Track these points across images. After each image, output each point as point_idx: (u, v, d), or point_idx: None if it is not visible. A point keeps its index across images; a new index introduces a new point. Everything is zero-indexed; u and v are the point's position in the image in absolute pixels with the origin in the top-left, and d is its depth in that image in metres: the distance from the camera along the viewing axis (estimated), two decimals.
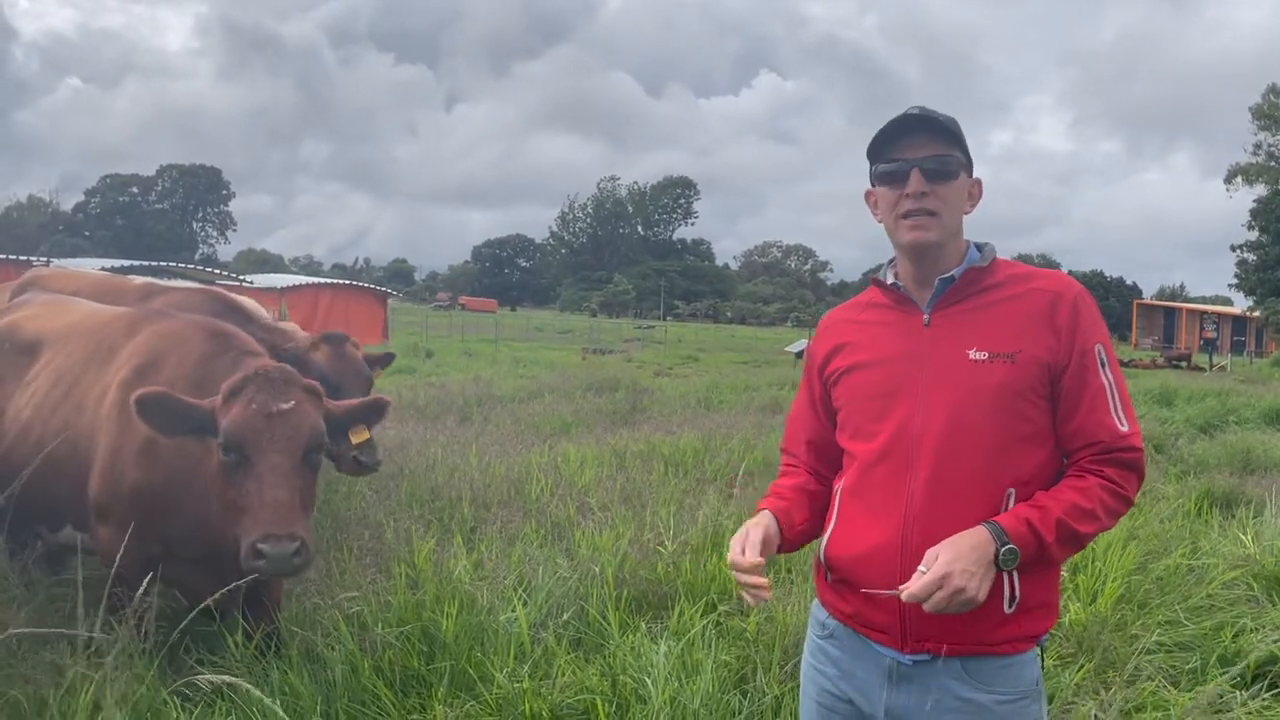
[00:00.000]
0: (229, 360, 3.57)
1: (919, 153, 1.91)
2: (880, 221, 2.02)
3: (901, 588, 1.75)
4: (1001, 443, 1.84)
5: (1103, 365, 1.87)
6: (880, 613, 1.89)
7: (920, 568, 1.74)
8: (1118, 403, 1.87)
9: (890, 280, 2.03)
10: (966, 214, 1.99)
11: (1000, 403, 1.84)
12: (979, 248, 2.00)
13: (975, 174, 2.01)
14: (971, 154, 1.98)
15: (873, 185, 2.01)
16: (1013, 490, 1.84)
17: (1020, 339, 1.86)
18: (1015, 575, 1.81)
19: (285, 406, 3.18)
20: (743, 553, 1.89)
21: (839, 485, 2.04)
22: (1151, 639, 4.06)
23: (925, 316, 1.95)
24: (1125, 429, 1.85)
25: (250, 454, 3.09)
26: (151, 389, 3.17)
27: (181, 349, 3.64)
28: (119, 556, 3.26)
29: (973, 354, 1.87)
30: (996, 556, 1.74)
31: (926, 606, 1.71)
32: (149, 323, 3.90)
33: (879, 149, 1.96)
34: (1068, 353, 1.86)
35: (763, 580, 1.85)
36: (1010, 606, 1.82)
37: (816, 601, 2.11)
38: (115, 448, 3.49)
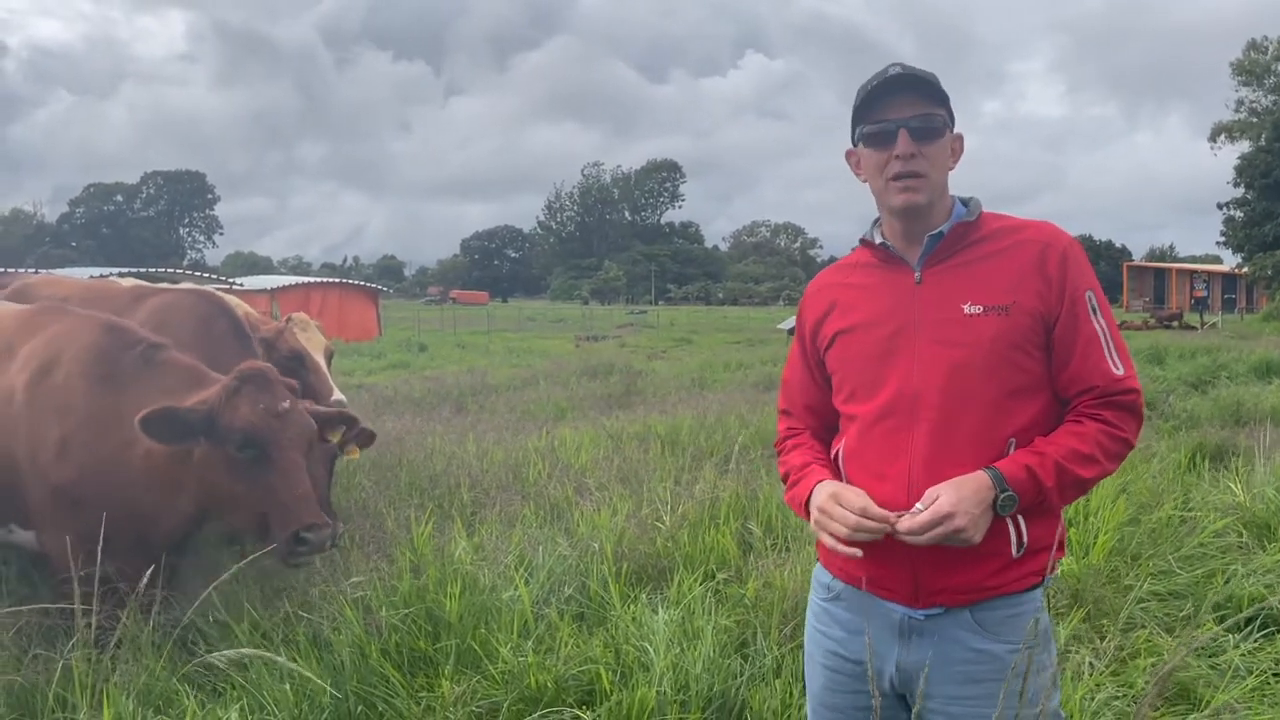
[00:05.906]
0: (135, 355, 3.63)
1: (904, 112, 1.88)
2: (864, 182, 2.00)
3: (894, 515, 1.77)
4: (1000, 394, 1.85)
5: (1094, 311, 1.87)
6: (891, 572, 1.88)
7: (918, 505, 1.76)
8: (1111, 347, 1.87)
9: (879, 240, 2.01)
10: (950, 170, 1.96)
11: (996, 355, 1.84)
12: (964, 203, 1.98)
13: (958, 131, 1.97)
14: (957, 116, 1.95)
15: (855, 145, 2.00)
16: (1014, 439, 1.84)
17: (1013, 291, 1.86)
18: (1021, 520, 1.82)
19: (287, 406, 3.42)
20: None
21: (838, 448, 2.03)
22: (1144, 588, 4.13)
23: (916, 274, 1.94)
24: (1120, 372, 1.86)
25: (270, 451, 3.32)
26: (155, 409, 3.23)
27: (77, 345, 3.67)
28: (96, 554, 3.29)
29: (967, 308, 1.87)
30: (995, 502, 1.75)
31: (921, 540, 1.73)
32: (46, 321, 3.89)
33: (863, 109, 1.94)
34: (1059, 301, 1.86)
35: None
36: (1018, 551, 1.84)
37: (819, 565, 2.10)
38: (31, 452, 3.55)
